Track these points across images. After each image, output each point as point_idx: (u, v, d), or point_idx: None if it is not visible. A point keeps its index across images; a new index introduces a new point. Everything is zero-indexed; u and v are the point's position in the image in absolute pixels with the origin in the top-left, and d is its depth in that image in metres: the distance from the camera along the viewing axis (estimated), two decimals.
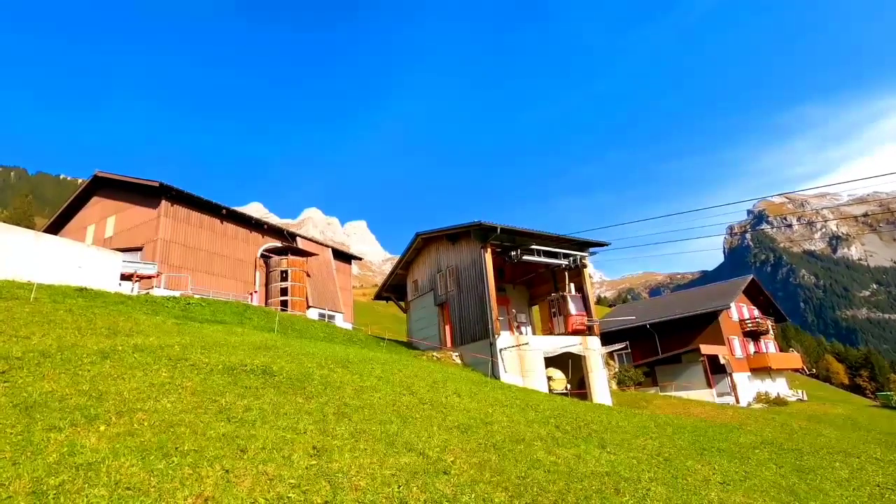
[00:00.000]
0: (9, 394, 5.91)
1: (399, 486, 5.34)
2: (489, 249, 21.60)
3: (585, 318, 23.31)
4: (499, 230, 20.87)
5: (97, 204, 30.72)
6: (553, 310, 24.54)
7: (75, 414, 5.65)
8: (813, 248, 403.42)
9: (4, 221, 25.27)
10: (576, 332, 22.47)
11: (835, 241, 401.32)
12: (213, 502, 4.37)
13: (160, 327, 11.66)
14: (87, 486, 4.27)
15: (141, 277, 22.84)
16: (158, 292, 22.14)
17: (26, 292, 13.41)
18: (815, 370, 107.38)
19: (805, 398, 40.74)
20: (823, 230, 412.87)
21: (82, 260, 18.49)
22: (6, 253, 16.24)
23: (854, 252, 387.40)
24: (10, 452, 4.62)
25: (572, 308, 23.27)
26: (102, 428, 5.42)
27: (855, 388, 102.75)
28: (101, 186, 30.71)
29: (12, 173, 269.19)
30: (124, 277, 21.25)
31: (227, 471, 4.93)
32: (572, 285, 24.99)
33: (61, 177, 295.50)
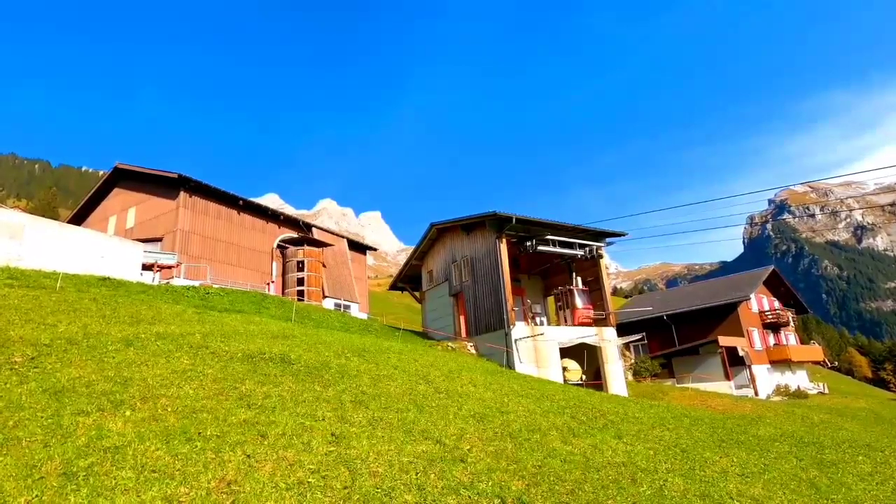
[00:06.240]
0: (38, 379, 6.10)
1: (417, 473, 5.40)
2: (504, 240, 21.50)
3: (592, 312, 23.17)
4: (514, 220, 20.75)
5: (118, 195, 31.32)
6: (559, 303, 24.42)
7: (102, 399, 5.81)
8: (837, 238, 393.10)
9: (30, 213, 25.95)
10: (582, 326, 22.36)
11: (860, 230, 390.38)
12: (236, 486, 4.47)
13: (181, 316, 11.89)
14: (114, 468, 4.40)
15: (161, 267, 23.26)
16: (178, 282, 22.56)
17: (52, 281, 13.78)
18: (836, 363, 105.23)
19: (826, 391, 39.96)
20: (848, 220, 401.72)
21: (105, 250, 18.90)
22: (33, 243, 16.68)
23: (880, 242, 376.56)
24: (41, 435, 4.78)
25: (578, 302, 23.16)
26: (128, 413, 5.57)
27: (879, 382, 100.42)
28: (122, 178, 31.29)
29: (37, 166, 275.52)
30: (145, 267, 21.67)
31: (248, 456, 5.04)
32: (579, 279, 24.80)
33: (83, 169, 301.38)
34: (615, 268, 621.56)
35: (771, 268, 41.67)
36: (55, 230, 17.85)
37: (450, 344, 21.95)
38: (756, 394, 31.23)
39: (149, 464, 4.55)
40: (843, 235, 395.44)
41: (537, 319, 26.42)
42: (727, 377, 30.74)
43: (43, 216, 24.34)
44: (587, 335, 21.61)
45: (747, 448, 9.52)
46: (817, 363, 44.75)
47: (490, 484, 5.48)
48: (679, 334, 37.02)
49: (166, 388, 6.52)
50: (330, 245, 34.88)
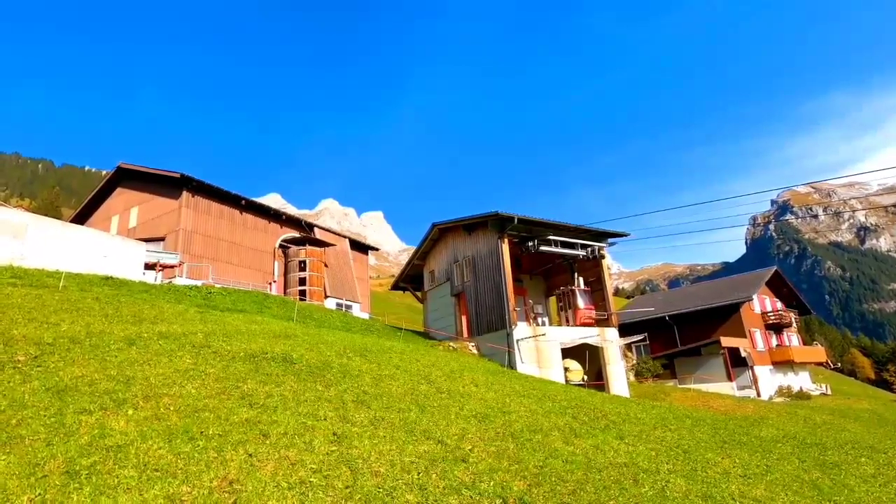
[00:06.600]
0: (41, 378, 6.12)
1: (418, 473, 5.39)
2: (506, 240, 21.49)
3: (594, 313, 23.16)
4: (516, 220, 20.73)
5: (121, 195, 31.39)
6: (561, 304, 24.40)
7: (104, 398, 5.82)
8: (840, 239, 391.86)
9: (33, 212, 26.04)
10: (584, 326, 22.34)
11: (863, 231, 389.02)
12: (238, 485, 4.47)
13: (183, 315, 11.91)
14: (117, 466, 4.41)
15: (164, 267, 23.32)
16: (181, 281, 22.59)
17: (55, 280, 13.82)
18: (839, 364, 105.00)
19: (829, 392, 39.84)
20: (851, 220, 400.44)
21: (108, 249, 18.95)
22: (36, 242, 16.74)
23: (883, 243, 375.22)
24: (44, 434, 4.79)
25: (580, 302, 23.17)
26: (130, 412, 5.58)
27: (882, 383, 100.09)
28: (125, 178, 31.36)
29: (40, 165, 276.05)
30: (148, 267, 21.73)
31: (250, 455, 5.04)
32: (581, 279, 24.79)
33: (86, 168, 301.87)
34: (617, 268, 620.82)
35: (773, 268, 41.57)
36: (58, 229, 17.91)
37: (451, 344, 21.94)
38: (758, 395, 31.13)
39: (151, 462, 4.56)
40: (846, 236, 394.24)
41: (539, 320, 26.38)
42: (729, 378, 30.66)
43: (46, 215, 24.42)
44: (589, 335, 21.59)
45: (749, 449, 9.50)
46: (820, 364, 44.61)
47: (492, 484, 5.48)
48: (681, 335, 36.95)
49: (168, 387, 6.53)
50: (332, 245, 34.91)
